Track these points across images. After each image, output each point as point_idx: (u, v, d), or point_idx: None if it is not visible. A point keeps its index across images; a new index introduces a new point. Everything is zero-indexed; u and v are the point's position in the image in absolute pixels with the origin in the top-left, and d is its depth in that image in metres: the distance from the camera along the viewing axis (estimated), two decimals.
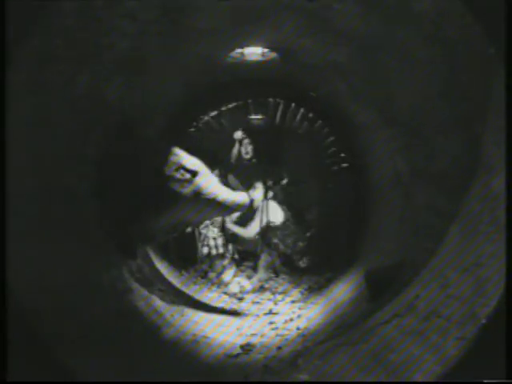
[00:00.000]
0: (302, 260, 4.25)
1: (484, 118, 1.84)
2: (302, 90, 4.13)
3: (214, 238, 4.27)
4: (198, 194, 2.82)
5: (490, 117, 1.81)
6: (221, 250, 4.26)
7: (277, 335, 2.84)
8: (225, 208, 3.00)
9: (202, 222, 4.03)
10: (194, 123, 4.29)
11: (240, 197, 3.10)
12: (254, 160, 4.35)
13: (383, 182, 3.48)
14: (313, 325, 2.92)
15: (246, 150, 4.32)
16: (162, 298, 3.01)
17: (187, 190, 2.78)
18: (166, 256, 3.78)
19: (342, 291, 3.36)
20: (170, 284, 3.47)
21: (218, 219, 4.24)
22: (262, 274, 4.12)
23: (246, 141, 4.31)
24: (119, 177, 2.65)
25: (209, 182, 2.89)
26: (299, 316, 3.19)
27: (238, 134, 4.36)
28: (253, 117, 4.40)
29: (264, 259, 4.24)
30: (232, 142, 4.35)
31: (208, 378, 2.15)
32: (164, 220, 2.90)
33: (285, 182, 4.40)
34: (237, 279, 4.01)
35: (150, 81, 2.95)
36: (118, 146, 2.79)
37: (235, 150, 4.37)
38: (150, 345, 2.34)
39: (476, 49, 1.77)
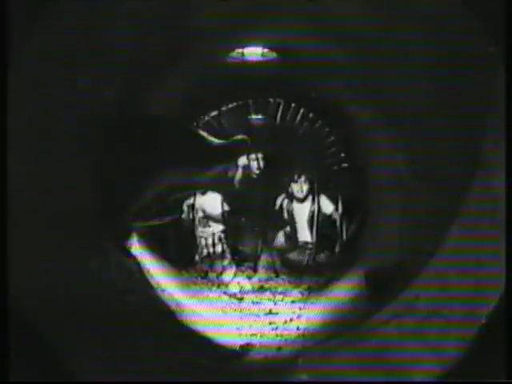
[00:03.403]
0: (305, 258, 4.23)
1: (484, 117, 1.84)
2: (302, 89, 4.12)
3: (214, 238, 4.27)
4: None
5: (489, 117, 1.81)
6: (220, 250, 4.25)
7: (277, 335, 2.84)
8: None
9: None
10: (194, 123, 4.28)
11: None
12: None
13: (383, 182, 3.47)
14: (313, 325, 2.92)
15: (259, 165, 4.25)
16: (161, 298, 3.01)
17: None
18: (166, 256, 3.77)
19: (342, 291, 3.36)
20: (169, 284, 3.46)
21: (218, 218, 4.24)
22: (262, 274, 4.11)
23: (260, 155, 4.23)
24: (119, 177, 2.65)
25: None
26: (299, 316, 3.18)
27: (243, 161, 4.28)
28: (253, 117, 4.39)
29: (264, 259, 4.23)
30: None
31: (208, 377, 2.15)
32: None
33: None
34: (237, 279, 4.01)
35: (149, 81, 2.95)
36: (117, 146, 2.79)
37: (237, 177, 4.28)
38: (150, 345, 2.33)
39: (476, 49, 1.77)
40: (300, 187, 4.21)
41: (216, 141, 2.81)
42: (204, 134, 2.80)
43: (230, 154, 2.92)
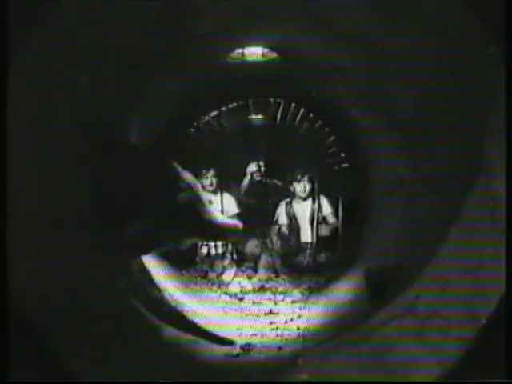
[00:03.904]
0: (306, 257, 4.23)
1: (484, 119, 1.84)
2: (301, 89, 4.13)
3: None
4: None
5: (490, 118, 1.81)
6: (221, 250, 4.26)
7: (277, 335, 2.84)
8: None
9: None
10: (194, 123, 4.29)
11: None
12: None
13: (383, 183, 3.48)
14: (313, 325, 2.92)
15: (261, 172, 4.32)
16: (162, 299, 3.02)
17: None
18: (165, 256, 3.77)
19: (342, 291, 3.36)
20: (169, 284, 3.47)
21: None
22: (262, 274, 4.12)
23: (262, 163, 4.30)
24: (119, 176, 2.65)
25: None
26: (299, 316, 3.19)
27: (252, 168, 4.34)
28: (253, 117, 4.39)
29: (264, 259, 4.23)
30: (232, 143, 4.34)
31: (208, 377, 2.15)
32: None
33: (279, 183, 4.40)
34: (237, 279, 4.01)
35: (150, 81, 2.95)
36: (117, 145, 2.80)
37: (245, 182, 4.35)
38: (150, 345, 2.34)
39: (476, 49, 1.77)
40: (303, 186, 4.22)
41: (212, 215, 2.82)
42: (207, 205, 2.82)
43: (220, 235, 2.98)
